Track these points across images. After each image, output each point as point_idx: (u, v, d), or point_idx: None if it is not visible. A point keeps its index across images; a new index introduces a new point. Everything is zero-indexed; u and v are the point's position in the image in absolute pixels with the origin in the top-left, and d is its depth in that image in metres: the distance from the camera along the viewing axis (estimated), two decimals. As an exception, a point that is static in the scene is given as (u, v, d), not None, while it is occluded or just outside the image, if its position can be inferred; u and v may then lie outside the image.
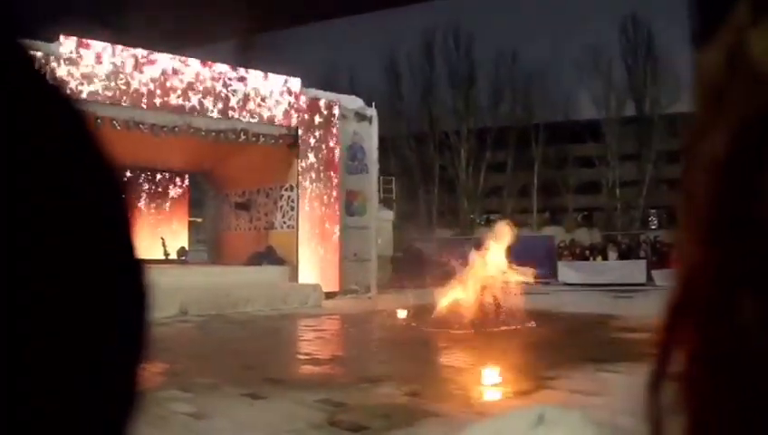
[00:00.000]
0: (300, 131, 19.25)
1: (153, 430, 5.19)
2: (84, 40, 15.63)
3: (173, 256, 22.03)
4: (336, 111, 20.06)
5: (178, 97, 17.09)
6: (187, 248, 23.61)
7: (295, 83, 19.35)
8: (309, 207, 19.45)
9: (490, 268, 12.87)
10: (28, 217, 0.26)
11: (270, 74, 18.97)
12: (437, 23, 47.57)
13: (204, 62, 17.79)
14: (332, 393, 6.76)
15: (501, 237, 13.11)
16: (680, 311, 0.27)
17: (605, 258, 26.65)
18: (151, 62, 16.73)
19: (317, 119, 19.67)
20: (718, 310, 0.25)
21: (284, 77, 19.22)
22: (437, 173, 44.09)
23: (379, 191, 22.62)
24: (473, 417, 5.39)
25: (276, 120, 18.86)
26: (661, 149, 38.68)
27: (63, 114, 0.29)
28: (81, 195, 0.29)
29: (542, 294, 17.93)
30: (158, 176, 24.10)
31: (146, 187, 23.73)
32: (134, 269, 0.31)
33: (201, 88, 17.52)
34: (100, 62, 15.80)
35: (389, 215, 25.89)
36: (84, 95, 15.13)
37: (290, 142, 19.21)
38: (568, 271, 25.40)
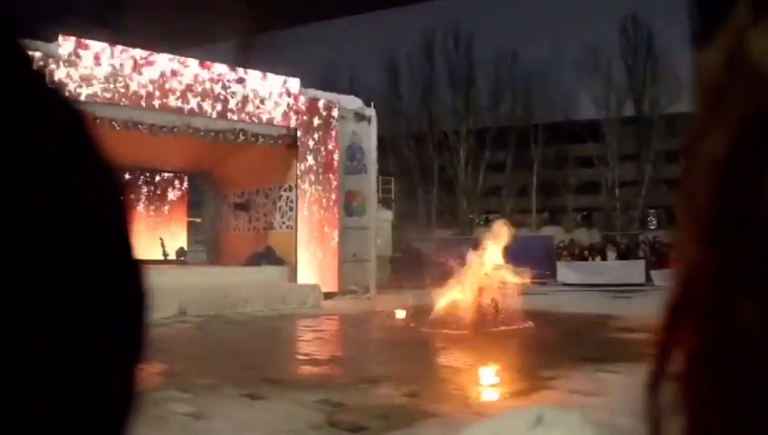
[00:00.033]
0: (299, 132, 19.25)
1: (152, 430, 5.19)
2: (83, 40, 15.61)
3: (172, 256, 22.02)
4: (335, 111, 20.06)
5: (177, 99, 17.09)
6: (185, 249, 23.61)
7: (294, 84, 19.35)
8: (308, 208, 19.44)
9: (487, 268, 12.87)
10: (27, 218, 0.26)
11: (269, 75, 18.97)
12: (437, 23, 47.56)
13: (203, 63, 17.78)
14: (331, 394, 6.76)
15: (498, 237, 13.11)
16: (680, 311, 0.27)
17: (604, 258, 26.64)
18: (150, 64, 16.71)
19: (316, 120, 19.66)
20: (718, 310, 0.25)
21: (283, 77, 19.21)
22: (437, 173, 44.08)
23: (378, 191, 22.61)
24: (471, 417, 5.39)
25: (275, 121, 18.85)
26: (660, 150, 38.69)
27: (62, 115, 0.29)
28: (79, 196, 0.29)
29: (540, 294, 17.93)
30: (157, 176, 24.08)
31: (145, 187, 23.71)
32: (132, 270, 0.31)
33: (200, 90, 17.51)
34: (99, 64, 15.79)
35: (388, 215, 25.89)
36: (83, 97, 15.12)
37: (289, 143, 19.20)
38: (567, 271, 25.40)
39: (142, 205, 23.28)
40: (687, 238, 0.26)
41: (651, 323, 0.26)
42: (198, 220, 27.13)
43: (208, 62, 17.99)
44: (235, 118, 18.13)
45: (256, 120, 18.49)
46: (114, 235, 0.30)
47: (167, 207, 24.42)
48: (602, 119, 40.94)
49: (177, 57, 17.39)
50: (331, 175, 19.90)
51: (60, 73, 14.83)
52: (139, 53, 16.62)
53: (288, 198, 19.82)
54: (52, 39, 15.08)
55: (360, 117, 20.96)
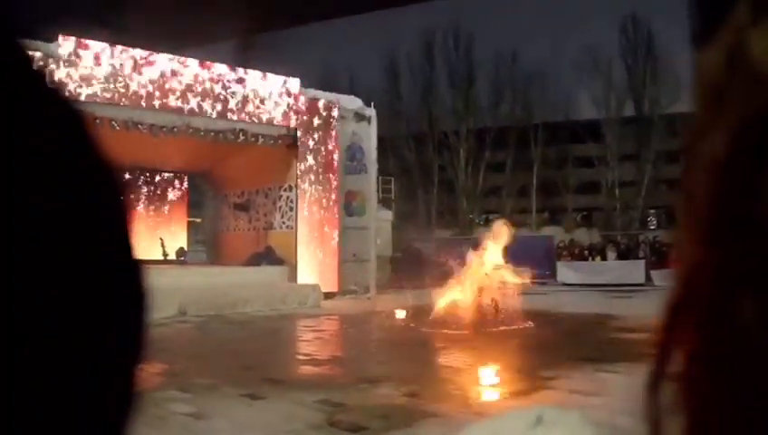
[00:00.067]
0: (299, 132, 19.25)
1: (152, 430, 5.19)
2: (83, 40, 15.61)
3: (172, 256, 22.02)
4: (335, 111, 20.06)
5: (177, 99, 17.09)
6: (185, 249, 23.61)
7: (294, 84, 19.35)
8: (308, 208, 19.44)
9: (487, 268, 12.87)
10: (27, 218, 0.26)
11: (269, 75, 18.97)
12: (437, 23, 47.59)
13: (202, 64, 17.77)
14: (331, 394, 6.76)
15: (498, 237, 13.11)
16: (680, 311, 0.27)
17: (604, 258, 26.64)
18: (150, 64, 16.71)
19: (316, 120, 19.66)
20: (718, 310, 0.25)
21: (283, 77, 19.21)
22: (437, 173, 44.06)
23: (378, 191, 22.61)
24: (471, 417, 5.39)
25: (275, 121, 18.85)
26: (660, 150, 38.68)
27: (62, 115, 0.29)
28: (79, 196, 0.28)
29: (540, 294, 17.93)
30: (157, 176, 24.08)
31: (145, 187, 23.71)
32: (132, 270, 0.31)
33: (200, 90, 17.51)
34: (99, 64, 15.79)
35: (388, 215, 25.89)
36: (83, 97, 15.12)
37: (289, 143, 19.20)
38: (567, 271, 25.39)
39: (142, 205, 23.28)
40: (687, 238, 0.26)
41: (651, 323, 0.26)
42: (198, 220, 27.13)
43: (208, 63, 17.99)
44: (235, 118, 18.13)
45: (256, 121, 18.49)
46: (114, 235, 0.30)
47: (167, 207, 24.41)
48: (602, 119, 40.94)
49: (176, 57, 17.39)
50: (330, 175, 19.90)
51: (60, 73, 14.83)
52: (138, 52, 16.62)
53: (288, 198, 19.83)
54: (52, 39, 15.07)
55: (360, 117, 20.96)
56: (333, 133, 19.95)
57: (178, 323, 13.07)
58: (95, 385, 0.28)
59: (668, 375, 0.27)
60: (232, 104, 18.07)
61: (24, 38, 0.28)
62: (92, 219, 0.29)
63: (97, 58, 15.76)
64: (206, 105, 17.62)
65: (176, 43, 22.73)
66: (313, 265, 19.05)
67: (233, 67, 18.37)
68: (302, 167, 19.35)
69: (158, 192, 24.27)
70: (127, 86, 16.24)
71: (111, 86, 15.97)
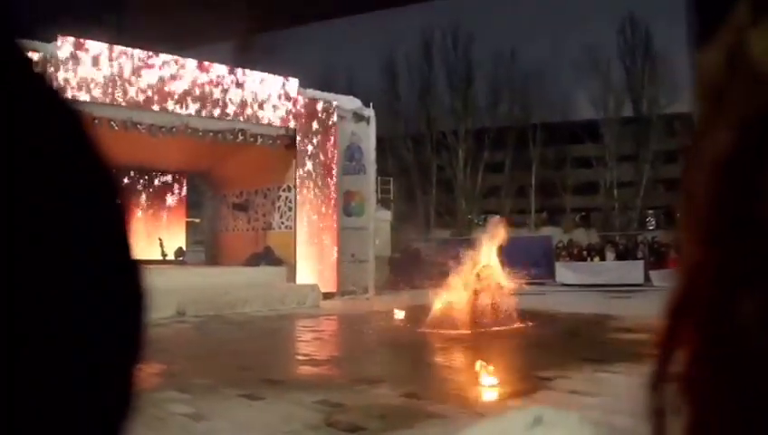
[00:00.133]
0: (297, 132, 19.25)
1: (151, 431, 5.18)
2: (82, 41, 15.60)
3: (171, 256, 22.02)
4: (334, 112, 20.06)
5: (176, 103, 17.08)
6: (184, 249, 23.60)
7: (293, 84, 19.35)
8: (307, 208, 19.44)
9: (483, 268, 12.85)
10: (27, 218, 0.26)
11: (268, 75, 18.97)
12: (436, 23, 47.48)
13: (201, 66, 17.75)
14: (330, 394, 6.76)
15: (494, 235, 13.12)
16: (681, 311, 0.27)
17: (603, 259, 26.63)
18: (149, 67, 16.69)
19: (315, 120, 19.67)
20: (719, 310, 0.24)
21: (282, 78, 19.21)
22: (435, 173, 44.03)
23: (376, 192, 22.61)
24: (470, 418, 5.39)
25: (274, 122, 18.85)
26: (659, 150, 38.70)
27: (61, 115, 0.29)
28: (78, 196, 0.29)
29: (539, 294, 17.94)
30: (156, 177, 24.07)
31: (144, 187, 23.70)
32: (131, 270, 0.31)
33: (198, 93, 17.50)
34: (98, 64, 15.77)
35: (387, 215, 25.87)
36: (81, 97, 15.11)
37: (287, 143, 19.20)
38: (565, 271, 25.39)
39: (141, 205, 23.27)
40: (688, 238, 0.26)
41: (650, 324, 0.25)
42: (197, 220, 27.12)
43: (207, 63, 17.98)
44: (234, 118, 18.12)
45: (255, 121, 18.49)
46: (113, 235, 0.30)
47: (165, 208, 24.40)
48: (601, 119, 40.94)
49: (176, 58, 17.38)
50: (329, 175, 19.91)
51: (58, 74, 14.81)
52: (138, 53, 16.61)
53: (287, 198, 19.83)
54: (51, 39, 15.06)
55: (358, 117, 20.96)
56: (332, 132, 19.95)
57: (177, 324, 13.07)
58: (95, 385, 0.28)
59: (670, 375, 0.27)
60: (231, 105, 18.07)
61: (23, 38, 0.28)
62: (92, 219, 0.29)
63: (96, 59, 15.75)
64: (206, 105, 17.61)
65: (175, 43, 22.74)
66: (312, 266, 19.05)
67: (232, 68, 18.36)
68: (301, 167, 19.35)
69: (157, 192, 24.26)
70: (126, 87, 16.22)
71: (110, 87, 15.96)
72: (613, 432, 0.46)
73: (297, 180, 19.30)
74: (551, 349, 9.61)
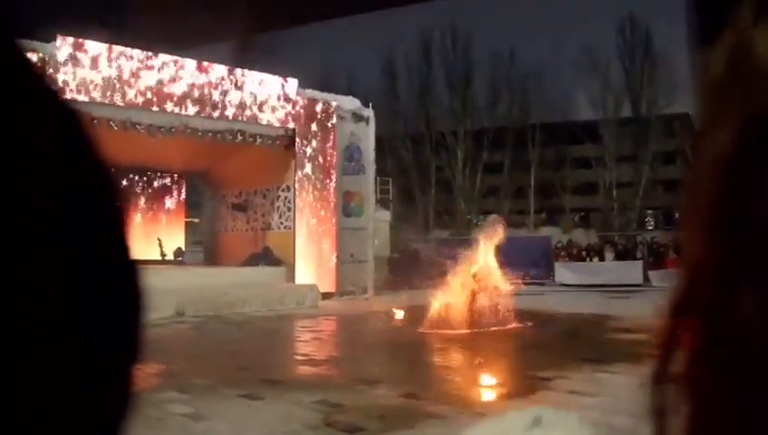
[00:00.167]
0: (297, 133, 19.25)
1: (151, 431, 5.18)
2: (81, 41, 15.58)
3: (170, 256, 22.01)
4: (333, 112, 20.05)
5: (175, 105, 17.07)
6: (183, 249, 23.60)
7: (292, 85, 19.34)
8: (306, 208, 19.44)
9: (480, 269, 12.85)
10: (27, 218, 0.26)
11: (267, 76, 18.97)
12: (435, 23, 47.55)
13: (201, 66, 17.73)
14: (329, 394, 6.76)
15: (492, 234, 13.11)
16: (682, 311, 0.27)
17: (602, 259, 26.65)
18: (149, 69, 16.68)
19: (314, 120, 19.66)
20: (719, 310, 0.24)
21: (281, 78, 19.21)
22: (434, 174, 44.04)
23: (375, 192, 22.60)
24: (469, 418, 5.39)
25: (273, 122, 18.85)
26: (658, 150, 38.74)
27: (60, 115, 0.29)
28: (78, 196, 0.29)
29: (538, 294, 17.94)
30: (155, 177, 24.06)
31: (143, 188, 23.69)
32: (130, 270, 0.31)
33: (197, 94, 17.49)
34: (97, 65, 15.75)
35: (386, 216, 25.86)
36: (80, 97, 15.10)
37: (286, 143, 19.20)
38: (565, 272, 25.39)
39: (140, 205, 23.26)
40: (690, 238, 0.26)
41: (650, 324, 0.25)
42: (196, 220, 27.12)
43: (206, 64, 17.97)
44: (233, 118, 18.12)
45: (254, 121, 18.48)
46: (112, 235, 0.30)
47: (165, 208, 24.40)
48: (600, 119, 40.96)
49: (175, 58, 17.36)
50: (328, 176, 19.90)
51: (57, 74, 14.80)
52: (137, 54, 16.59)
53: (286, 198, 19.82)
54: (50, 39, 15.05)
55: (358, 117, 20.95)
56: (331, 132, 19.94)
57: (176, 324, 13.06)
58: (95, 385, 0.28)
59: (671, 375, 0.27)
60: (230, 105, 18.07)
61: (22, 38, 0.28)
62: (91, 220, 0.29)
63: (95, 59, 15.73)
64: (205, 105, 17.61)
65: (175, 43, 22.72)
66: (311, 266, 19.04)
67: (231, 69, 18.35)
68: (300, 169, 19.35)
69: (156, 193, 24.24)
70: (124, 93, 16.21)
71: (109, 87, 15.95)
72: (612, 433, 0.46)
73: (296, 178, 19.29)
74: (550, 349, 9.61)
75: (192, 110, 17.36)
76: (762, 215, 0.23)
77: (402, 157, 43.11)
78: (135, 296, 0.31)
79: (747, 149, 0.24)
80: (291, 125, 19.16)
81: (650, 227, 39.21)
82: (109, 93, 15.90)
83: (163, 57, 17.06)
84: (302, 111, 19.36)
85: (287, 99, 19.14)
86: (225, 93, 17.99)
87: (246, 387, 7.13)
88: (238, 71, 18.47)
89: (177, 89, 17.13)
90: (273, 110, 18.84)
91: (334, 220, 19.80)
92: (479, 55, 46.27)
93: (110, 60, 15.98)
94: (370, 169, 21.24)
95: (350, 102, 21.27)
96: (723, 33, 0.26)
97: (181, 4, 31.48)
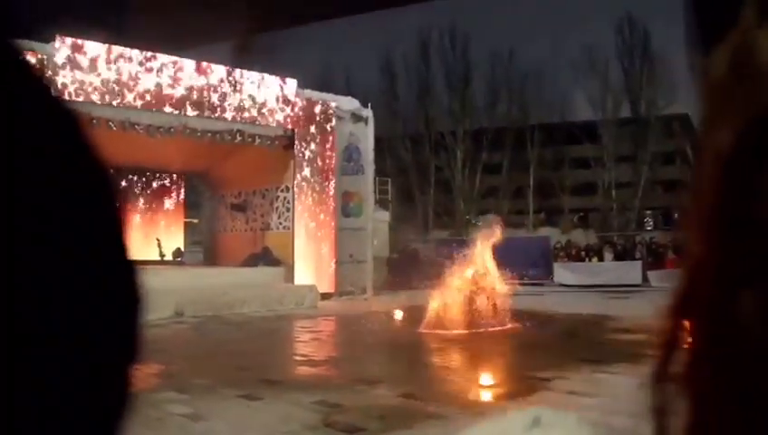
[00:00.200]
0: (296, 133, 19.25)
1: (150, 431, 5.18)
2: (80, 42, 15.56)
3: (168, 257, 22.00)
4: (332, 112, 20.05)
5: (174, 108, 17.05)
6: (182, 249, 23.58)
7: (291, 85, 19.34)
8: (305, 209, 19.44)
9: (477, 270, 12.84)
10: (27, 218, 0.26)
11: (266, 76, 18.96)
12: (434, 23, 47.48)
13: (200, 67, 17.71)
14: (328, 395, 6.75)
15: (490, 234, 13.11)
16: (682, 311, 0.27)
17: (601, 259, 26.66)
18: (148, 71, 16.66)
19: (313, 123, 19.66)
20: (719, 310, 0.25)
21: (280, 79, 19.20)
22: (433, 174, 44.02)
23: (374, 192, 22.59)
24: (468, 419, 5.39)
25: (272, 122, 18.84)
26: (656, 151, 38.73)
27: (59, 116, 0.29)
28: (77, 196, 0.29)
29: (537, 295, 17.95)
30: (154, 177, 24.05)
31: (142, 188, 23.68)
32: (128, 270, 0.31)
33: (197, 95, 17.48)
34: (96, 65, 15.73)
35: (385, 216, 25.86)
36: (80, 97, 15.09)
37: (285, 144, 19.19)
38: (564, 272, 25.39)
39: (139, 205, 23.25)
40: (690, 238, 0.26)
41: (649, 324, 0.27)
42: (195, 221, 27.10)
43: (206, 64, 17.96)
44: (232, 119, 18.11)
45: (253, 121, 18.48)
46: (110, 235, 0.30)
47: (164, 208, 24.38)
48: (599, 120, 40.96)
49: (174, 59, 17.35)
50: (327, 176, 19.90)
51: (56, 74, 14.79)
52: (136, 54, 16.58)
53: (285, 198, 19.82)
54: (49, 40, 15.03)
55: (357, 118, 20.94)
56: (330, 132, 19.94)
57: (175, 324, 13.06)
58: (94, 385, 0.29)
59: (671, 375, 0.27)
60: (229, 105, 18.06)
61: (21, 39, 0.28)
62: (90, 220, 0.29)
63: (94, 59, 15.71)
64: (204, 105, 17.60)
65: (175, 43, 22.72)
66: (310, 266, 19.04)
67: (230, 69, 18.34)
68: (299, 171, 19.34)
69: (155, 193, 24.23)
70: (123, 94, 16.19)
71: (108, 87, 15.93)
72: (612, 433, 0.46)
73: (295, 178, 19.28)
74: (549, 349, 9.62)
75: (191, 111, 17.35)
76: (761, 215, 0.23)
77: (401, 157, 43.10)
78: (134, 297, 0.31)
79: (746, 149, 0.24)
80: (290, 125, 19.16)
81: (649, 228, 39.18)
82: (108, 93, 15.87)
83: (162, 58, 17.03)
84: (300, 112, 19.35)
85: (286, 100, 19.12)
86: (223, 94, 17.98)
87: (245, 387, 7.13)
88: (237, 71, 18.46)
89: (177, 92, 17.11)
90: (272, 112, 18.83)
91: (333, 223, 19.80)
92: (478, 55, 46.27)
93: (108, 61, 15.95)
94: (369, 169, 21.23)
95: (349, 103, 21.26)
96: (721, 33, 0.26)
97: (181, 4, 31.48)
